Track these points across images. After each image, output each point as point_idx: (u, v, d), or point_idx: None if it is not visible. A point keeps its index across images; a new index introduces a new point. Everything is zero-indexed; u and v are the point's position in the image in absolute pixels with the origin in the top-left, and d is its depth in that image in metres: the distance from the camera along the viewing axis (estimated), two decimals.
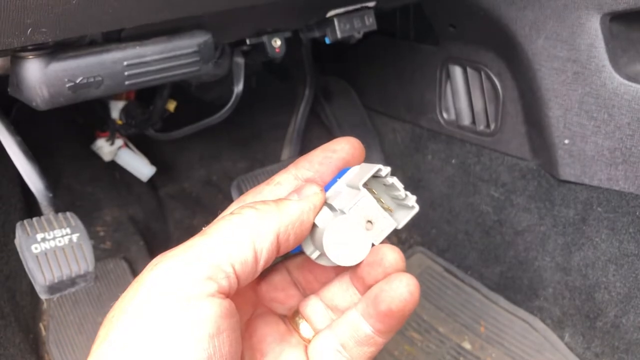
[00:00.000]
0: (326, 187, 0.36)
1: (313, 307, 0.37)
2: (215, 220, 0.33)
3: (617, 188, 0.91)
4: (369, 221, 0.35)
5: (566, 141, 0.95)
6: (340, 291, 0.36)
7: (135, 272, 1.13)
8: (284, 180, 0.36)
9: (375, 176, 0.35)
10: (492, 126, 1.12)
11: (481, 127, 1.15)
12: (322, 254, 0.34)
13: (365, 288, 0.35)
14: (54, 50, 0.59)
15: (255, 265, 0.31)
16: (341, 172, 0.36)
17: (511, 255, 1.12)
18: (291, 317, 0.37)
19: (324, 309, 0.37)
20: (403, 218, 0.36)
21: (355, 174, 0.35)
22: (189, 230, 1.29)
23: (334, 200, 0.35)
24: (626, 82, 0.84)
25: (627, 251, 0.92)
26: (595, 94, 0.88)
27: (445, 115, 1.23)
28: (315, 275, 0.38)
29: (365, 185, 0.35)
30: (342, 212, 0.34)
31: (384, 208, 0.35)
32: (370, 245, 0.34)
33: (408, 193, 0.35)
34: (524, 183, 1.09)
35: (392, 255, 0.33)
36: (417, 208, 0.35)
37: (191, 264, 0.30)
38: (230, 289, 0.30)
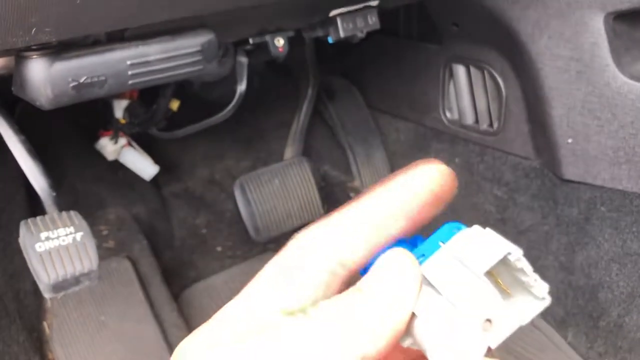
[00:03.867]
0: (412, 243, 0.27)
1: None
2: None
3: (620, 187, 0.91)
4: (488, 320, 0.26)
5: (569, 140, 0.95)
6: None
7: (138, 271, 1.13)
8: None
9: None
10: (495, 125, 1.12)
11: (484, 126, 1.15)
12: (415, 343, 0.26)
13: None
14: (57, 49, 0.59)
15: None
16: (442, 234, 0.27)
17: None
18: None
19: None
20: (528, 312, 0.27)
21: (469, 249, 0.26)
22: (193, 229, 1.30)
23: (438, 280, 0.26)
24: (630, 81, 0.84)
25: (631, 250, 0.92)
26: (599, 93, 0.88)
27: (448, 114, 1.23)
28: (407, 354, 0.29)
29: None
30: (452, 304, 0.25)
31: (502, 289, 0.27)
32: (485, 348, 0.26)
33: (537, 277, 0.26)
34: (527, 182, 1.09)
35: None
36: (548, 300, 0.27)
37: None
38: None
